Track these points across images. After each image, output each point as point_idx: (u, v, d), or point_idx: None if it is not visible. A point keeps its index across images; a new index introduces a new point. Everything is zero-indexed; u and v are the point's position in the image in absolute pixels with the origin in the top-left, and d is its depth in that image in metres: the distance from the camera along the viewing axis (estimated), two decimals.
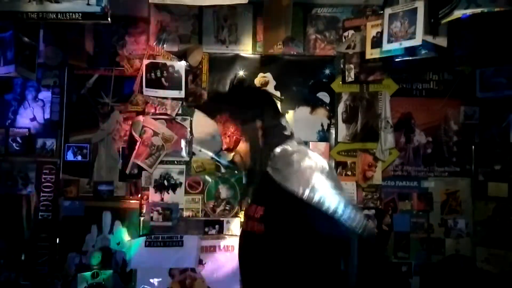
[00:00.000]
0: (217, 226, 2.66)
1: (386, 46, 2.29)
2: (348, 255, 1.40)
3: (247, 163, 1.61)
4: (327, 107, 2.77)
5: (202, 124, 2.70)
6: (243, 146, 1.60)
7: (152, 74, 2.64)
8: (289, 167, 1.43)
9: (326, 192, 1.37)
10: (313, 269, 1.40)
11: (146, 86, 2.63)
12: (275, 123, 1.58)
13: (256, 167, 1.55)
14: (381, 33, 2.37)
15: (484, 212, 2.69)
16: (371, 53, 2.46)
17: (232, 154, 1.65)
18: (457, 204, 2.73)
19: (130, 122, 2.71)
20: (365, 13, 2.70)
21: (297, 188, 1.38)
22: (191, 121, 2.72)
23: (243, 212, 1.68)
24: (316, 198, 1.36)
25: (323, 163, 1.46)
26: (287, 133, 1.59)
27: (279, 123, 1.59)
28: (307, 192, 1.36)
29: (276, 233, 1.43)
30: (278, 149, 1.51)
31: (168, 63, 2.65)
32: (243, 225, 1.64)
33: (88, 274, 2.49)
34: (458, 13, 1.99)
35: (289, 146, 1.52)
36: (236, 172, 2.69)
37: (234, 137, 1.60)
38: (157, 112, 2.69)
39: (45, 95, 2.73)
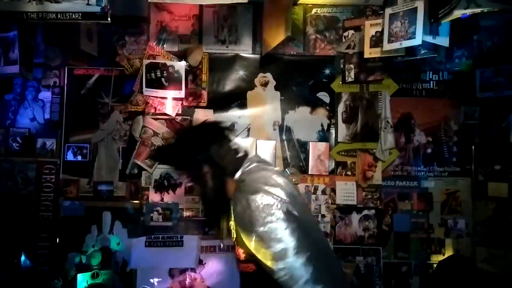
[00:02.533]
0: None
1: (387, 46, 2.29)
2: None
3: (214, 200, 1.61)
4: (327, 107, 2.77)
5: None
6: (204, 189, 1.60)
7: (152, 74, 2.64)
8: (244, 206, 1.41)
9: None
10: None
11: (146, 86, 2.63)
12: (223, 154, 1.57)
13: (213, 210, 1.59)
14: (381, 32, 2.37)
15: (484, 212, 2.69)
16: (370, 52, 2.46)
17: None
18: (457, 204, 2.73)
19: (130, 122, 2.71)
20: (365, 13, 2.70)
21: (251, 232, 1.38)
22: (191, 121, 2.72)
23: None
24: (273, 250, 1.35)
25: (281, 192, 1.43)
26: (240, 154, 1.59)
27: (228, 152, 1.58)
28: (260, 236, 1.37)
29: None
30: (238, 175, 1.53)
31: (168, 63, 2.65)
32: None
33: (88, 274, 2.49)
34: (458, 13, 1.99)
35: (246, 174, 1.53)
36: None
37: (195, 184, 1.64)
38: (157, 112, 2.69)
39: (45, 95, 2.73)
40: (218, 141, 1.60)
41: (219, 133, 1.65)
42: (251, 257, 1.46)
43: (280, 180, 1.49)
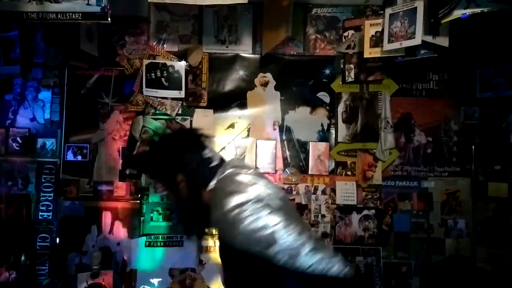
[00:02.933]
0: None
1: (387, 46, 2.29)
2: None
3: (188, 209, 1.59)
4: (327, 107, 2.77)
5: (202, 124, 2.71)
6: (177, 198, 1.59)
7: (152, 74, 2.64)
8: (221, 212, 1.38)
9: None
10: None
11: (146, 86, 2.63)
12: (197, 163, 1.54)
13: (188, 220, 1.57)
14: (381, 32, 2.37)
15: (484, 212, 2.69)
16: (370, 52, 2.46)
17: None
18: (457, 204, 2.73)
19: (130, 122, 2.71)
20: (365, 13, 2.70)
21: (234, 235, 1.35)
22: (191, 121, 2.72)
23: None
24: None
25: (257, 191, 1.39)
26: (214, 163, 1.54)
27: (201, 161, 1.54)
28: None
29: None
30: (212, 184, 1.50)
31: (168, 63, 2.65)
32: None
33: (88, 274, 2.49)
34: (457, 13, 1.99)
35: (219, 182, 1.49)
36: None
37: (167, 193, 1.61)
38: (157, 112, 2.69)
39: (45, 95, 2.73)
40: (193, 150, 1.57)
41: (194, 141, 1.62)
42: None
43: (256, 180, 1.45)
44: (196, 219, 1.57)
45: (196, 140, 1.63)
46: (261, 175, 1.54)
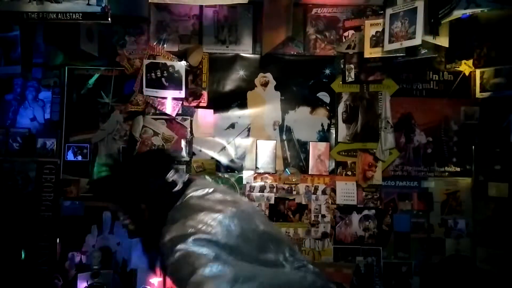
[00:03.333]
0: None
1: (387, 46, 2.29)
2: None
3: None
4: (327, 107, 2.77)
5: (202, 124, 2.71)
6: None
7: (152, 74, 2.64)
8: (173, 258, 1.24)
9: None
10: None
11: (146, 86, 2.63)
12: (159, 189, 1.43)
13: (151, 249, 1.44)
14: (381, 32, 2.37)
15: (484, 212, 2.69)
16: (370, 52, 2.46)
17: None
18: (457, 204, 2.73)
19: (130, 122, 2.71)
20: (365, 13, 2.71)
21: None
22: (191, 121, 2.72)
23: None
24: None
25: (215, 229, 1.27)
26: (178, 187, 1.43)
27: (164, 185, 1.43)
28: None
29: None
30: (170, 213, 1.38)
31: (168, 63, 2.65)
32: None
33: (88, 274, 2.49)
34: (457, 13, 2.00)
35: (178, 210, 1.37)
36: (236, 172, 2.71)
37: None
38: (157, 112, 2.69)
39: (46, 95, 2.73)
40: (155, 175, 1.45)
41: (156, 165, 1.49)
42: None
43: (213, 206, 1.34)
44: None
45: (160, 164, 1.50)
46: (224, 199, 1.42)
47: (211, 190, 1.44)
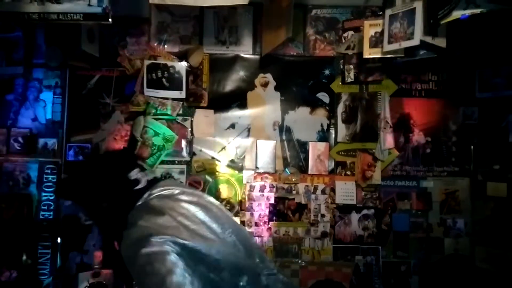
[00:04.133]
0: None
1: (387, 47, 2.30)
2: None
3: None
4: (327, 108, 2.78)
5: (202, 124, 2.72)
6: None
7: (153, 74, 2.65)
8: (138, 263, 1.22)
9: None
10: None
11: (147, 87, 2.64)
12: (121, 187, 1.42)
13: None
14: (380, 33, 2.38)
15: (483, 211, 2.70)
16: (370, 53, 2.47)
17: None
18: (456, 204, 2.74)
19: (131, 123, 2.72)
20: (364, 14, 2.72)
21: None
22: (191, 121, 2.73)
23: None
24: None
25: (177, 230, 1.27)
26: (141, 185, 1.42)
27: (126, 184, 1.42)
28: None
29: None
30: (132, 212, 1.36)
31: (169, 63, 2.66)
32: None
33: (89, 273, 2.50)
34: (457, 14, 2.00)
35: (139, 211, 1.36)
36: (236, 171, 2.72)
37: None
38: (158, 112, 2.70)
39: (47, 95, 2.74)
40: (116, 173, 1.45)
41: (119, 164, 1.49)
42: None
43: (183, 209, 1.34)
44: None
45: (123, 162, 1.51)
46: (193, 198, 1.42)
47: (177, 191, 1.41)
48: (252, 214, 2.68)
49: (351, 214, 2.72)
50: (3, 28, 2.58)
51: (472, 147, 2.76)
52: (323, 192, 2.72)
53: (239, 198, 2.70)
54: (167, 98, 2.67)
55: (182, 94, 2.67)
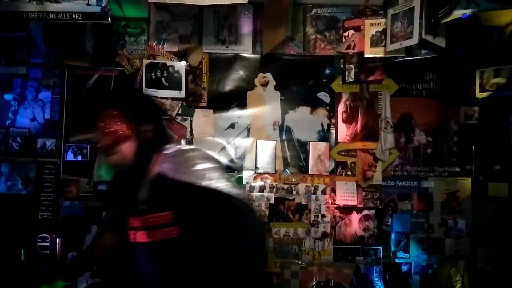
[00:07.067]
0: None
1: (389, 47, 2.29)
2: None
3: (127, 163, 1.47)
4: (327, 107, 2.77)
5: (202, 124, 2.71)
6: (126, 145, 1.46)
7: (152, 74, 2.64)
8: (187, 165, 1.46)
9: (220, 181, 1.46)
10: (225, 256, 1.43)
11: (146, 86, 2.63)
12: (164, 127, 1.58)
13: (139, 167, 1.46)
14: (381, 32, 2.37)
15: (484, 212, 2.69)
16: (370, 52, 2.46)
17: (108, 152, 1.47)
18: (457, 204, 2.73)
19: None
20: (365, 13, 2.70)
21: (200, 182, 1.42)
22: (191, 121, 2.72)
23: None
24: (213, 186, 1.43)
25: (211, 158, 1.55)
26: (173, 137, 1.62)
27: (167, 128, 1.60)
28: (206, 183, 1.43)
29: (193, 230, 1.41)
30: (171, 150, 1.51)
31: (168, 63, 2.65)
32: (133, 238, 1.50)
33: (88, 274, 2.49)
34: (457, 13, 1.99)
35: (180, 146, 1.56)
36: (236, 172, 2.70)
37: (118, 133, 1.44)
38: None
39: (45, 95, 2.73)
40: (162, 113, 1.72)
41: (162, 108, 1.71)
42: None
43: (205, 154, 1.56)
44: (133, 188, 1.48)
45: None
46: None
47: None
48: None
49: (352, 215, 2.71)
50: (4, 28, 2.58)
51: (473, 147, 2.75)
52: (323, 192, 2.70)
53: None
54: (166, 98, 2.66)
55: (181, 94, 2.66)
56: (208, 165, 1.48)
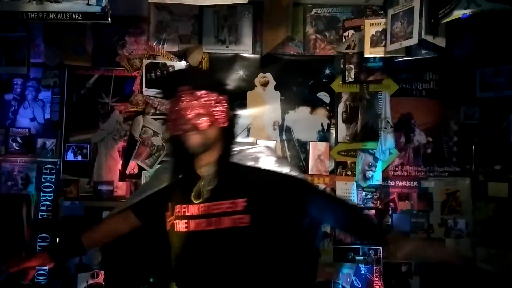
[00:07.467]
0: None
1: (389, 47, 2.29)
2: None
3: (208, 146, 1.45)
4: (327, 107, 2.77)
5: None
6: (213, 129, 1.44)
7: (152, 74, 2.64)
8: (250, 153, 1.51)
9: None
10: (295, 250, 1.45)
11: (146, 86, 2.63)
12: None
13: (223, 155, 1.47)
14: (381, 32, 2.37)
15: (484, 212, 2.69)
16: (370, 52, 2.46)
17: (194, 134, 1.42)
18: (457, 204, 2.73)
19: (130, 122, 2.71)
20: (365, 13, 2.70)
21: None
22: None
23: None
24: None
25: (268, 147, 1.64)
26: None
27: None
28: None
29: (264, 220, 1.40)
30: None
31: (168, 63, 2.65)
32: (199, 226, 1.42)
33: (88, 274, 2.49)
34: (458, 13, 1.99)
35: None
36: None
37: (218, 117, 1.44)
38: (157, 112, 2.69)
39: (45, 95, 2.73)
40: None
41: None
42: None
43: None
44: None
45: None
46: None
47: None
48: None
49: None
50: (5, 27, 2.58)
51: (473, 147, 2.75)
52: None
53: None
54: None
55: None
56: (269, 153, 1.54)
